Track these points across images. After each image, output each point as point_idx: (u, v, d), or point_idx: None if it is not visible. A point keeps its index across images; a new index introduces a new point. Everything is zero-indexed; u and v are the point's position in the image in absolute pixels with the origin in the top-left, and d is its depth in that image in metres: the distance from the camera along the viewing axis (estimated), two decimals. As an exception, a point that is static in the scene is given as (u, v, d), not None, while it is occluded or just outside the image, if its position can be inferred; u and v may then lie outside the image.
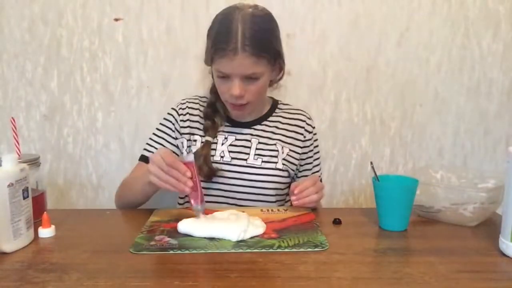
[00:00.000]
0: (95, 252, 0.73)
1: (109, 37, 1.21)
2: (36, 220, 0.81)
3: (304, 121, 1.11)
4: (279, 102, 1.14)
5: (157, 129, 1.10)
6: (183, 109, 1.09)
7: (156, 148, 1.07)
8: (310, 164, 1.13)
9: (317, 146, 1.15)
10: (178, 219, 0.84)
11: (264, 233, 0.80)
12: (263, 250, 0.72)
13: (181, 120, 1.08)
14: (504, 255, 0.72)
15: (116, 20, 1.20)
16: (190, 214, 0.88)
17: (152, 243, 0.75)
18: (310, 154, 1.12)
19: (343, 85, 1.26)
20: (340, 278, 0.64)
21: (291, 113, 1.12)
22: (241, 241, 0.76)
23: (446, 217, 0.87)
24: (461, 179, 0.99)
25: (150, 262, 0.69)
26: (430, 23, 1.23)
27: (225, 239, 0.76)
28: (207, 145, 1.03)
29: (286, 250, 0.73)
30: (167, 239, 0.77)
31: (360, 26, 1.22)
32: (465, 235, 0.82)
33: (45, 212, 0.83)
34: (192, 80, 1.23)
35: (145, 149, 1.09)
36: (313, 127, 1.13)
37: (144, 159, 1.07)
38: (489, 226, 0.85)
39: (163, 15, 1.20)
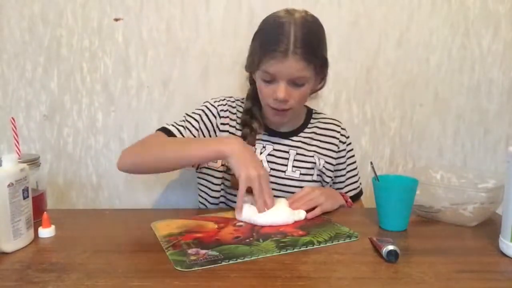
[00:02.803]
0: (95, 252, 0.73)
1: (109, 37, 1.21)
2: (36, 220, 0.81)
3: (339, 132, 1.10)
4: (314, 111, 1.13)
5: (194, 113, 1.03)
6: (224, 111, 1.05)
7: (191, 132, 0.99)
8: (343, 177, 1.11)
9: (351, 157, 1.12)
10: (188, 230, 0.82)
11: (289, 232, 0.82)
12: (308, 248, 0.74)
13: (221, 124, 1.04)
14: (504, 255, 0.72)
15: (116, 20, 1.20)
16: (187, 222, 0.87)
17: (193, 258, 0.70)
18: (343, 166, 1.10)
19: (343, 85, 1.25)
20: (340, 278, 0.64)
21: (325, 123, 1.10)
22: (280, 242, 0.76)
23: (446, 217, 0.87)
24: (461, 179, 0.99)
25: (150, 262, 0.69)
26: (430, 23, 1.23)
27: (266, 242, 0.77)
28: None
29: (327, 245, 0.75)
30: (202, 251, 0.72)
31: (360, 26, 1.22)
32: (465, 235, 0.82)
33: (45, 212, 0.83)
34: (192, 80, 1.23)
35: (173, 125, 1.00)
36: (347, 137, 1.11)
37: (165, 131, 0.98)
38: (489, 226, 0.85)
39: (163, 15, 1.20)
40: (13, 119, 0.89)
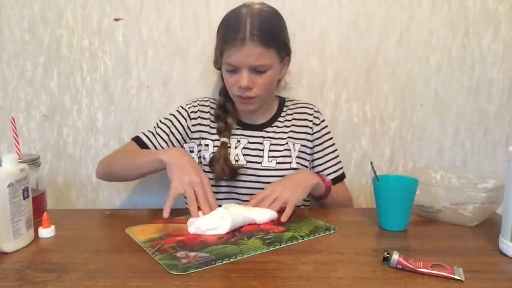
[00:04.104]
0: (95, 252, 0.73)
1: (109, 37, 1.21)
2: (36, 220, 0.82)
3: (311, 114, 1.11)
4: (286, 100, 1.15)
5: (166, 119, 1.09)
6: (194, 112, 1.09)
7: (161, 137, 1.06)
8: (322, 159, 1.10)
9: (329, 139, 1.12)
10: (168, 233, 0.81)
11: (270, 229, 0.83)
12: (294, 243, 0.76)
13: (192, 125, 1.08)
14: (504, 255, 0.72)
15: (116, 20, 1.20)
16: (162, 226, 0.86)
17: (184, 261, 0.69)
18: (320, 148, 1.10)
19: (343, 85, 1.25)
20: (340, 278, 0.64)
21: (297, 108, 1.12)
22: (266, 239, 0.77)
23: (446, 217, 0.87)
24: (461, 179, 0.99)
25: (150, 262, 0.69)
26: (430, 23, 1.23)
27: (251, 240, 0.77)
28: (224, 146, 1.03)
29: (310, 239, 0.78)
30: (191, 254, 0.72)
31: (360, 26, 1.22)
32: (465, 235, 0.82)
33: (45, 212, 0.83)
34: (192, 80, 1.23)
35: (143, 133, 1.08)
36: (322, 120, 1.12)
37: (138, 141, 1.06)
38: (489, 226, 0.85)
39: (163, 15, 1.20)
40: (13, 119, 0.89)
